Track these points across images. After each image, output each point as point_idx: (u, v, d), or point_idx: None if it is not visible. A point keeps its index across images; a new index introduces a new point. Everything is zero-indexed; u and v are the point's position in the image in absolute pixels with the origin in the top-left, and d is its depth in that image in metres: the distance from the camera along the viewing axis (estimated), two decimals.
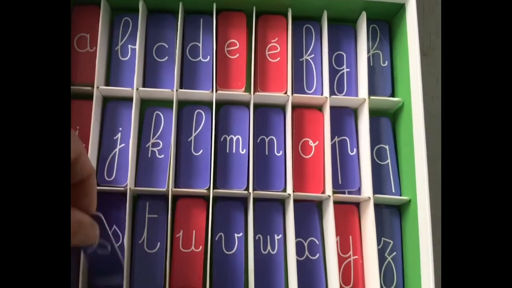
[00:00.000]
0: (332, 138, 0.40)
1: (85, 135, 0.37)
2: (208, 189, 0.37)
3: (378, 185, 0.39)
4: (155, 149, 0.39)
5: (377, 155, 0.40)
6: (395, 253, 0.39)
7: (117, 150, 0.39)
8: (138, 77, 0.39)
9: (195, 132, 0.40)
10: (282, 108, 0.41)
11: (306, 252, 0.38)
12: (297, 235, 0.38)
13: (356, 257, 0.38)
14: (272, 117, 0.40)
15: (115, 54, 0.41)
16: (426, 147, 0.37)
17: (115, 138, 0.39)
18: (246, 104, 0.40)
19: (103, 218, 0.30)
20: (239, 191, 0.38)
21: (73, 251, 0.36)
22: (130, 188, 0.36)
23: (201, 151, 0.39)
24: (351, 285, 0.38)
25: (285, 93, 0.40)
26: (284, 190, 0.39)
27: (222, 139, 0.39)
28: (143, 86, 0.40)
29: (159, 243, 0.37)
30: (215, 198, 0.38)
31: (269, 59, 0.41)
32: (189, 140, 0.39)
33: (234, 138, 0.40)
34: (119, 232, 0.37)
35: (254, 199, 0.37)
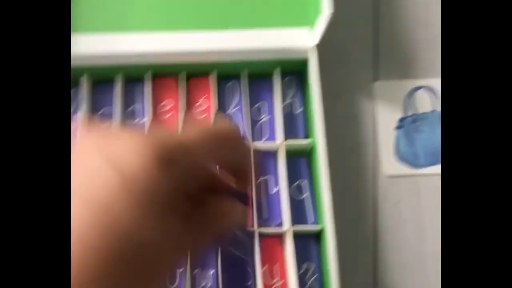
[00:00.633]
0: (257, 178, 0.46)
1: None
2: None
3: (298, 217, 0.45)
4: None
5: (296, 190, 0.46)
6: (316, 275, 0.44)
7: None
8: None
9: None
10: None
11: (241, 281, 0.44)
12: None
13: (282, 281, 0.44)
14: None
15: None
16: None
17: None
18: None
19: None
20: None
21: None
22: None
23: None
24: None
25: None
26: None
27: None
28: None
29: None
30: None
31: (199, 115, 0.48)
32: None
33: None
34: None
35: None
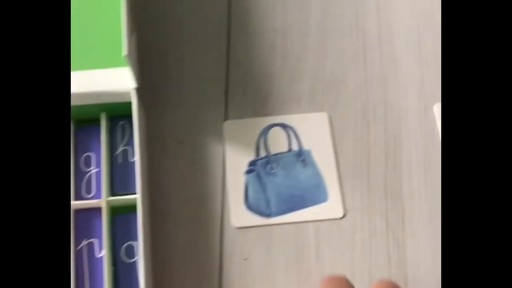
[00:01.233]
0: (79, 242, 0.40)
1: None
2: None
3: (127, 283, 0.39)
4: None
5: (126, 253, 0.40)
6: None
7: None
8: None
9: None
10: None
11: None
12: None
13: None
14: None
15: None
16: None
17: None
18: None
19: None
20: None
21: None
22: None
23: None
24: None
25: None
26: None
27: None
28: None
29: None
30: None
31: None
32: None
33: None
34: None
35: None
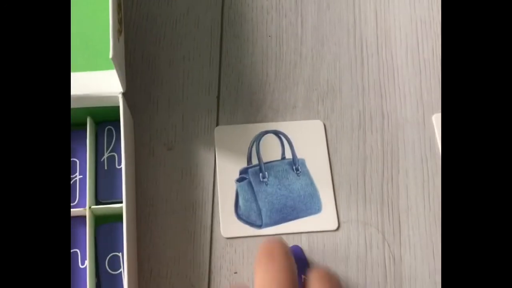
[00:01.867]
0: None
1: None
2: None
3: None
4: None
5: (111, 264, 0.39)
6: None
7: None
8: None
9: None
10: None
11: None
12: None
13: None
14: None
15: None
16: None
17: None
18: None
19: None
20: None
21: None
22: None
23: None
24: None
25: None
26: None
27: None
28: None
29: None
30: None
31: None
32: None
33: None
34: None
35: None
